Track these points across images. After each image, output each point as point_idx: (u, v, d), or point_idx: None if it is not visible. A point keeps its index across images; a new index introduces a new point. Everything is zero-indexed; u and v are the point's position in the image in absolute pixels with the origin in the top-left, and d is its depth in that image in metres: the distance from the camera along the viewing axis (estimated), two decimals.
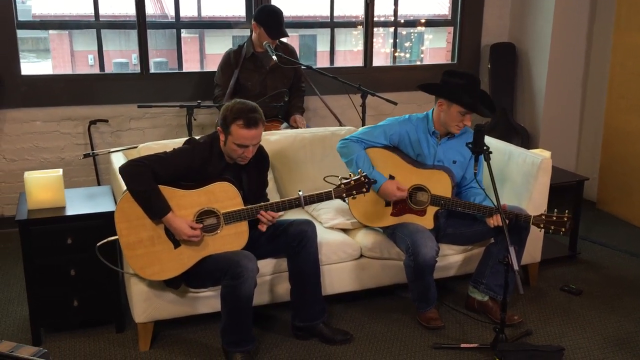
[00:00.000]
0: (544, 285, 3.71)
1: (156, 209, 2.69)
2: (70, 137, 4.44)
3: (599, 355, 3.00)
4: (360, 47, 5.32)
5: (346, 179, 2.91)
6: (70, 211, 3.02)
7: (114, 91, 4.44)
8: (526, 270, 3.69)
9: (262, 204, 2.84)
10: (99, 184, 4.47)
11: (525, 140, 5.13)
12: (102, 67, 4.57)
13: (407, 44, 6.85)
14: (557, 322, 3.30)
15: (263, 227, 2.84)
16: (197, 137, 2.93)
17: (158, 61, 7.01)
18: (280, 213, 2.89)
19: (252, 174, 2.98)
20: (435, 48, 7.55)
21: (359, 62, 5.17)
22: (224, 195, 2.79)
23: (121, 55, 4.45)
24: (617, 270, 3.96)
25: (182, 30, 4.78)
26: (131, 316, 3.08)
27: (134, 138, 4.52)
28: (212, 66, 4.73)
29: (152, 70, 4.55)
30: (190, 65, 8.48)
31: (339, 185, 2.88)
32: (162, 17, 4.48)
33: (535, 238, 3.54)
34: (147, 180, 2.67)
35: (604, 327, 3.25)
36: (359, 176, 2.88)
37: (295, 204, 2.85)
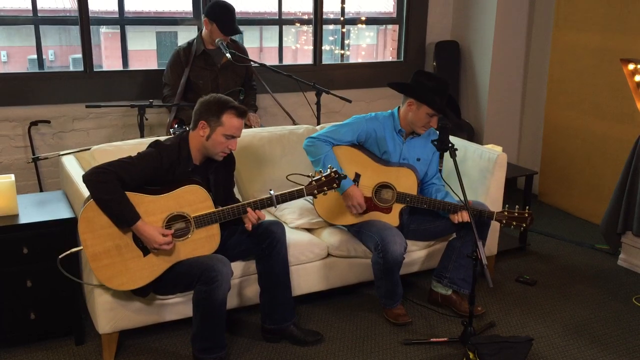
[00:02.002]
0: (500, 277, 3.82)
1: (125, 218, 2.57)
2: (8, 140, 4.18)
3: (561, 342, 3.12)
4: (296, 44, 5.33)
5: (312, 176, 2.88)
6: (24, 219, 2.84)
7: (56, 90, 4.21)
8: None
9: (234, 205, 2.77)
10: (41, 189, 4.24)
11: (471, 135, 5.27)
12: (41, 64, 4.33)
13: (346, 42, 6.88)
14: (517, 312, 3.41)
15: (249, 226, 2.80)
16: (162, 139, 2.82)
17: (76, 57, 6.67)
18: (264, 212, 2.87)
19: (219, 175, 2.91)
20: (370, 45, 7.65)
21: (289, 60, 5.16)
22: (194, 199, 2.71)
23: (34, 51, 4.22)
24: (565, 259, 4.13)
25: (102, 26, 4.57)
26: (91, 327, 2.95)
27: (78, 139, 4.32)
28: (135, 63, 4.64)
29: (71, 68, 4.34)
30: (112, 62, 8.16)
31: (310, 183, 2.85)
32: (72, 12, 4.28)
33: (492, 231, 3.63)
34: (113, 188, 2.54)
35: (561, 315, 3.39)
36: (329, 172, 2.87)
37: (267, 203, 2.80)
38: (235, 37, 4.29)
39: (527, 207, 3.24)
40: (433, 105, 3.15)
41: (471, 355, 2.81)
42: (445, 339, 3.08)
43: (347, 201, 3.21)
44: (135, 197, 2.61)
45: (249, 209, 2.76)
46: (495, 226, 3.61)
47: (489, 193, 3.60)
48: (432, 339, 3.09)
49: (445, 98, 3.18)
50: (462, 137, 5.06)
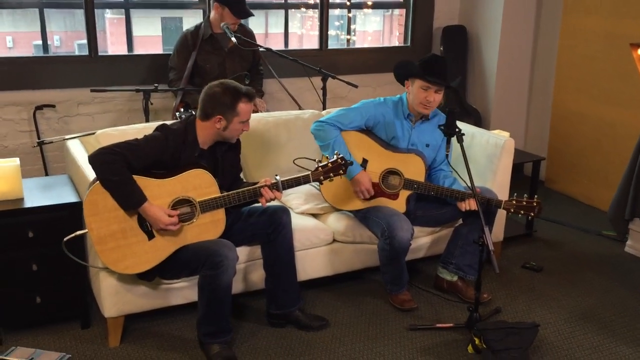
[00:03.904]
0: (506, 264, 3.80)
1: (132, 199, 2.55)
2: (13, 124, 4.18)
3: (567, 329, 3.10)
4: (302, 30, 5.28)
5: (319, 161, 2.87)
6: (29, 203, 2.84)
7: (61, 75, 4.19)
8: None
9: (240, 190, 2.75)
10: (46, 174, 4.23)
11: (478, 121, 5.23)
12: (46, 49, 4.31)
13: (352, 27, 6.83)
14: (523, 299, 3.39)
15: (264, 202, 2.79)
16: (168, 123, 2.81)
17: (81, 43, 6.60)
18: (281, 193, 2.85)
19: (226, 159, 2.90)
20: (376, 30, 7.60)
21: (295, 45, 5.11)
22: (199, 183, 2.69)
23: (39, 37, 4.19)
24: (572, 246, 4.11)
25: (107, 10, 4.54)
26: (97, 311, 2.95)
27: (83, 124, 4.30)
28: (141, 49, 4.62)
29: (77, 53, 4.31)
30: (117, 48, 8.09)
31: (316, 168, 2.83)
32: None
33: (498, 218, 3.61)
34: (120, 169, 2.53)
35: (568, 302, 3.37)
36: (335, 158, 2.85)
37: (274, 188, 2.78)
38: (242, 21, 4.26)
39: (535, 196, 3.21)
40: (417, 73, 3.12)
41: (477, 341, 2.81)
42: (451, 324, 3.07)
43: (355, 186, 3.19)
44: (141, 180, 2.60)
45: (266, 188, 2.75)
46: (501, 212, 3.58)
47: (496, 179, 3.57)
48: (437, 325, 3.08)
49: (432, 67, 3.13)
50: (469, 122, 5.02)
